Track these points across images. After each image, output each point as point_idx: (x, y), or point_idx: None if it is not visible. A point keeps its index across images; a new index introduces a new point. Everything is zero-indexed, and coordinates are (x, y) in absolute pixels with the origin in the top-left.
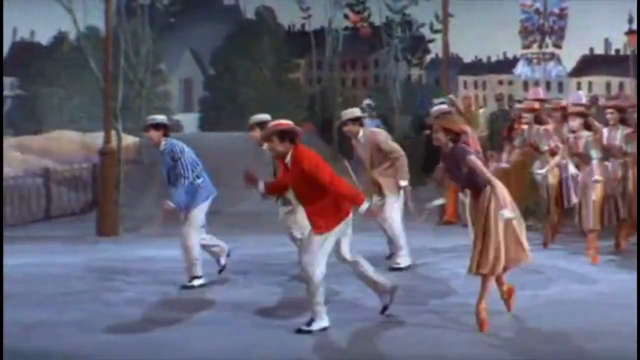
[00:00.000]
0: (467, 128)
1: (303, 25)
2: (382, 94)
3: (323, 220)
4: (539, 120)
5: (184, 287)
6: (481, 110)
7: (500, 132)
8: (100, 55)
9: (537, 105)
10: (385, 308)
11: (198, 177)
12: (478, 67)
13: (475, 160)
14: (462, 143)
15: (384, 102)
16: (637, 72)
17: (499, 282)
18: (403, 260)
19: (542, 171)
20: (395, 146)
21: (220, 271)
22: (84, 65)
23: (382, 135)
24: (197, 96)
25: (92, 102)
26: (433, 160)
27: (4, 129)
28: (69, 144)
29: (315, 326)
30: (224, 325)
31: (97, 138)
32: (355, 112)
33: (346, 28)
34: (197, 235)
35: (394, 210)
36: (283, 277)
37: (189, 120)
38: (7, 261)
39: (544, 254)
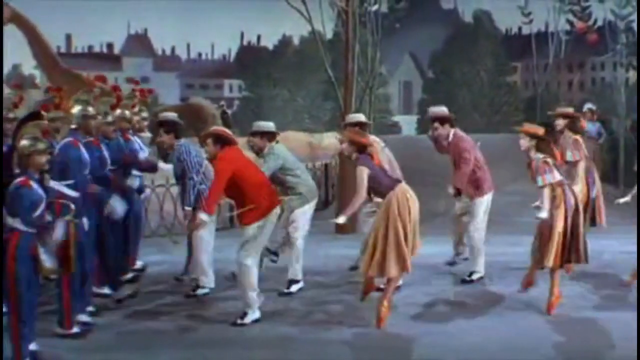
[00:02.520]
0: (374, 142)
1: (520, 29)
2: (599, 97)
3: (246, 214)
4: None
5: (188, 296)
6: None
7: None
8: (328, 59)
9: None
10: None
11: (202, 183)
12: None
13: (361, 171)
14: (367, 155)
15: (604, 106)
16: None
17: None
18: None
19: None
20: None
21: (177, 277)
22: (306, 68)
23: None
24: (416, 98)
25: (314, 104)
26: None
27: (232, 128)
28: (296, 144)
29: (249, 318)
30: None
31: (322, 139)
32: None
33: (567, 32)
34: (208, 240)
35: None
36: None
37: (408, 123)
38: None
39: None
